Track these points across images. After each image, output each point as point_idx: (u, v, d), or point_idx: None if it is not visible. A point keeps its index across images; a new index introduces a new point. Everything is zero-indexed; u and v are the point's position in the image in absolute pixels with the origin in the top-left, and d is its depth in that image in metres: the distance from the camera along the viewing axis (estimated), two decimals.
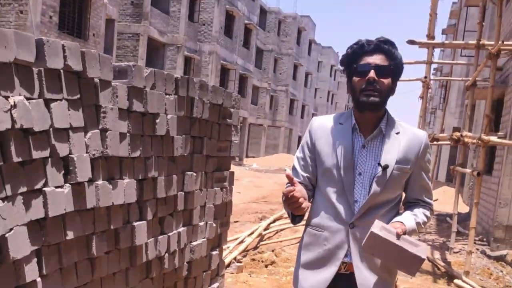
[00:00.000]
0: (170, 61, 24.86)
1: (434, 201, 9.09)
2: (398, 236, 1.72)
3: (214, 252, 3.75)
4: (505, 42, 6.41)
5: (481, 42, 7.21)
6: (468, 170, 7.24)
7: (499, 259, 6.90)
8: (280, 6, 40.54)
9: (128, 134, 2.53)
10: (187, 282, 3.42)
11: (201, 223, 3.48)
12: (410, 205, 2.04)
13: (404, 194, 2.04)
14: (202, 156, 3.38)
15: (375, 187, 1.86)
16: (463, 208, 10.97)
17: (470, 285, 5.53)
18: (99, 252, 2.41)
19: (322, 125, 2.00)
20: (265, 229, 7.62)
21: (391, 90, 1.88)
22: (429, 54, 8.99)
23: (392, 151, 1.89)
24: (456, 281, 5.72)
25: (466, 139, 6.92)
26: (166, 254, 3.04)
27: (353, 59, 1.88)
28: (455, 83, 19.35)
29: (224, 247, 6.18)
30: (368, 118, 1.91)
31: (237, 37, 30.69)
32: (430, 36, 8.79)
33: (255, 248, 6.65)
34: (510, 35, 8.24)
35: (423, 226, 1.97)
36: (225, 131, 3.69)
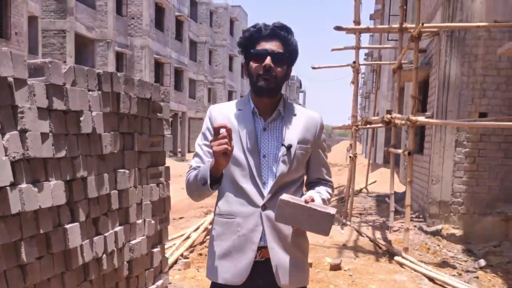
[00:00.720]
0: (101, 57, 24.06)
1: (373, 183, 9.46)
2: (306, 202, 1.79)
3: (155, 250, 3.68)
4: (425, 25, 6.70)
5: (404, 26, 7.48)
6: (400, 151, 7.55)
7: (435, 234, 7.26)
8: None
9: (50, 134, 2.42)
10: (129, 281, 3.35)
11: (139, 221, 3.40)
12: (312, 185, 2.11)
13: (305, 176, 2.11)
14: (134, 152, 3.30)
15: (282, 167, 1.91)
16: (400, 188, 11.42)
17: (410, 260, 5.79)
18: (29, 258, 2.31)
19: (221, 112, 2.01)
20: (211, 223, 7.60)
21: (286, 75, 1.95)
22: (356, 39, 9.26)
23: (293, 132, 1.95)
24: (396, 258, 5.97)
25: (396, 121, 7.20)
26: (104, 255, 2.96)
27: (250, 43, 1.92)
28: (386, 67, 20.04)
29: (170, 244, 6.12)
30: (266, 103, 1.95)
31: (169, 29, 30.14)
32: (357, 22, 9.03)
33: (202, 243, 6.62)
34: (432, 17, 8.62)
35: (327, 202, 2.05)
36: (157, 125, 3.62)
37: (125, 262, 3.21)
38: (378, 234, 7.31)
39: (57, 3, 21.88)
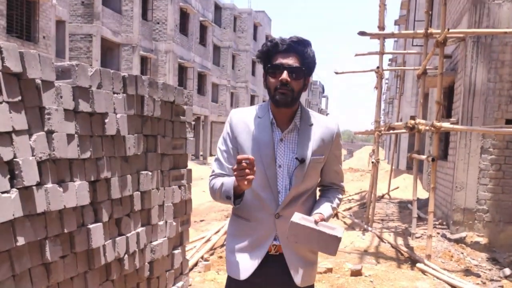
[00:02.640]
0: (126, 61, 24.41)
1: (395, 189, 9.36)
2: (316, 223, 1.85)
3: (176, 251, 3.71)
4: (450, 30, 6.61)
5: (429, 31, 7.41)
6: (423, 157, 7.45)
7: (459, 241, 7.13)
8: (234, 2, 40.49)
9: (76, 135, 2.47)
10: (150, 282, 3.38)
11: (161, 222, 3.44)
12: (324, 189, 2.20)
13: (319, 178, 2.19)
14: (157, 154, 3.34)
15: (295, 179, 1.98)
16: (423, 194, 11.26)
17: (432, 268, 5.70)
18: (53, 256, 2.35)
19: (242, 118, 2.05)
20: None
21: (303, 87, 2.00)
22: (380, 45, 9.18)
23: (307, 144, 2.00)
24: (418, 265, 5.89)
25: (420, 127, 7.11)
26: (126, 255, 3.00)
27: (267, 57, 1.97)
28: (410, 73, 19.83)
29: (191, 246, 6.16)
30: (284, 113, 2.00)
31: (193, 34, 30.41)
32: (381, 27, 8.96)
33: (222, 245, 6.64)
34: (458, 23, 8.50)
35: (337, 208, 2.14)
36: (179, 128, 3.66)
37: (146, 263, 3.25)
38: (400, 241, 7.22)
39: (84, 8, 22.31)
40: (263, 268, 2.00)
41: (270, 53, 1.95)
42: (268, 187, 1.97)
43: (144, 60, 26.18)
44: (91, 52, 22.26)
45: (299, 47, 1.94)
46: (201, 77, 32.78)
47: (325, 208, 2.02)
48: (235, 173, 1.78)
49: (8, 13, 15.19)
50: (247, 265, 2.00)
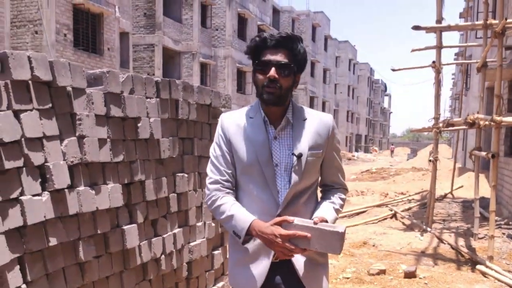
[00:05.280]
0: (186, 68, 25.10)
1: (459, 187, 8.96)
2: (315, 223, 1.78)
3: (216, 252, 3.76)
4: (508, 20, 6.23)
5: (488, 22, 7.04)
6: (483, 153, 7.07)
7: None
8: (292, 5, 40.53)
9: (108, 139, 2.57)
10: (189, 282, 3.44)
11: (199, 223, 3.50)
12: (326, 189, 2.10)
13: (320, 178, 2.08)
14: (194, 157, 3.41)
15: (294, 176, 1.90)
16: (489, 193, 10.65)
17: (494, 270, 5.39)
18: (87, 256, 2.46)
19: (234, 121, 1.99)
20: None
21: (293, 84, 1.92)
22: (437, 38, 8.82)
23: (303, 139, 1.93)
24: (478, 266, 5.59)
25: (480, 122, 6.76)
26: (163, 256, 3.07)
27: (256, 53, 1.90)
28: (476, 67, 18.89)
29: None
30: (274, 111, 1.94)
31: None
32: (439, 20, 8.61)
33: None
34: None
35: (341, 209, 2.04)
36: None
37: (184, 263, 3.31)
38: (461, 242, 6.89)
39: (147, 19, 23.20)
40: (271, 277, 1.91)
41: (258, 48, 1.89)
42: (267, 187, 1.90)
43: (203, 67, 26.79)
44: (153, 61, 23.09)
45: (289, 43, 1.87)
46: None
47: (326, 211, 1.93)
48: (280, 247, 1.76)
49: (74, 27, 16.10)
50: (254, 278, 1.91)
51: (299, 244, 1.77)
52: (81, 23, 16.55)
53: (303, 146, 1.92)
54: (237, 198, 1.97)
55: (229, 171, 1.96)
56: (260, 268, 1.91)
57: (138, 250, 2.81)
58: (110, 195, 2.57)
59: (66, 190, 2.28)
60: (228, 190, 1.96)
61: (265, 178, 1.90)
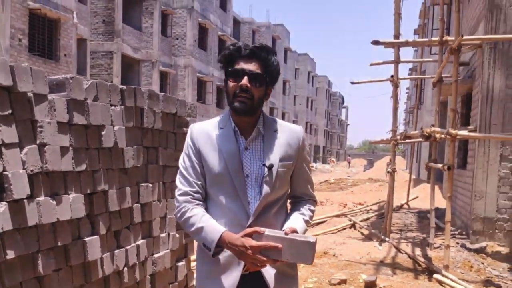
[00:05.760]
0: (146, 77, 24.76)
1: (414, 198, 9.16)
2: (286, 234, 1.77)
3: (180, 263, 3.69)
4: (465, 37, 6.50)
5: (444, 38, 7.30)
6: (439, 165, 7.29)
7: (479, 251, 6.94)
8: (253, 16, 40.96)
9: (70, 147, 2.48)
10: None
11: (163, 235, 3.42)
12: (296, 201, 2.09)
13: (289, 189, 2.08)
14: (158, 166, 3.34)
15: (265, 187, 1.88)
16: (443, 204, 10.99)
17: (450, 278, 5.54)
18: (46, 270, 2.35)
19: (203, 131, 1.96)
20: None
21: (264, 96, 1.91)
22: (395, 53, 9.08)
23: (274, 150, 1.92)
24: (435, 275, 5.73)
25: (436, 135, 6.98)
26: (125, 268, 2.98)
27: (229, 61, 1.89)
28: (430, 82, 19.57)
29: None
30: (245, 121, 1.93)
31: (212, 49, 30.72)
32: (396, 35, 8.88)
33: None
34: (475, 30, 8.37)
35: (310, 220, 2.04)
36: (182, 140, 3.64)
37: (147, 276, 3.23)
38: (418, 251, 7.05)
39: (105, 25, 22.77)
40: None
41: (232, 57, 1.88)
42: (237, 198, 1.87)
43: (163, 75, 26.52)
44: (112, 68, 22.65)
45: (262, 54, 1.87)
46: (220, 91, 32.95)
47: (296, 222, 1.92)
48: (251, 258, 1.73)
49: (30, 32, 15.59)
50: None
51: (270, 255, 1.74)
52: (37, 28, 16.05)
53: (274, 157, 1.90)
54: (207, 209, 1.93)
55: (199, 182, 1.93)
56: (230, 280, 1.87)
57: (100, 262, 2.71)
58: (72, 205, 2.47)
59: (25, 200, 2.18)
60: (198, 202, 1.92)
61: (235, 188, 1.87)
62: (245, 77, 1.83)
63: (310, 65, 58.32)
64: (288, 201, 2.09)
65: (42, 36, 16.39)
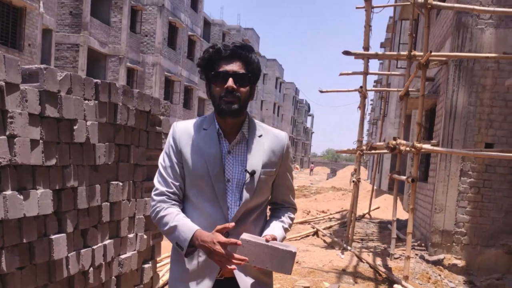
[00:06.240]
0: (112, 72, 24.29)
1: (376, 208, 9.30)
2: (267, 240, 1.75)
3: (146, 265, 3.61)
4: (433, 53, 6.67)
5: (412, 53, 7.47)
6: (403, 177, 7.44)
7: (437, 263, 7.11)
8: (224, 19, 41.01)
9: (41, 141, 2.38)
10: None
11: (131, 235, 3.34)
12: (275, 207, 2.07)
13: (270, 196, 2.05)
14: (129, 164, 3.26)
15: (245, 193, 1.85)
16: (404, 215, 11.25)
17: None
18: (9, 267, 2.24)
19: (186, 131, 1.91)
20: None
21: (250, 95, 1.88)
22: (365, 65, 9.24)
23: (257, 155, 1.88)
24: (395, 286, 5.82)
25: (401, 147, 7.12)
26: (91, 268, 2.89)
27: (210, 64, 1.84)
28: (394, 95, 20.00)
29: (164, 262, 6.03)
30: (230, 124, 1.88)
31: (181, 48, 30.44)
32: (366, 47, 9.03)
33: None
34: (441, 46, 8.61)
35: (289, 228, 2.02)
36: (155, 139, 3.58)
37: (113, 277, 3.13)
38: (378, 261, 7.17)
39: (72, 17, 22.22)
40: None
41: (212, 60, 1.83)
42: (216, 203, 1.83)
43: (130, 72, 26.09)
44: (77, 62, 22.11)
45: (243, 53, 1.83)
46: (188, 91, 32.72)
47: (276, 229, 1.90)
48: (218, 254, 1.66)
49: None
50: None
51: (251, 262, 1.71)
52: (1, 16, 15.48)
53: (257, 163, 1.87)
54: (186, 211, 1.88)
55: (177, 183, 1.88)
56: (203, 285, 1.83)
57: (65, 261, 2.61)
58: (40, 201, 2.37)
59: None
60: (173, 202, 1.87)
61: (215, 192, 1.83)
62: (230, 79, 1.79)
63: (278, 71, 58.72)
64: (268, 207, 2.06)
65: (6, 24, 15.83)
